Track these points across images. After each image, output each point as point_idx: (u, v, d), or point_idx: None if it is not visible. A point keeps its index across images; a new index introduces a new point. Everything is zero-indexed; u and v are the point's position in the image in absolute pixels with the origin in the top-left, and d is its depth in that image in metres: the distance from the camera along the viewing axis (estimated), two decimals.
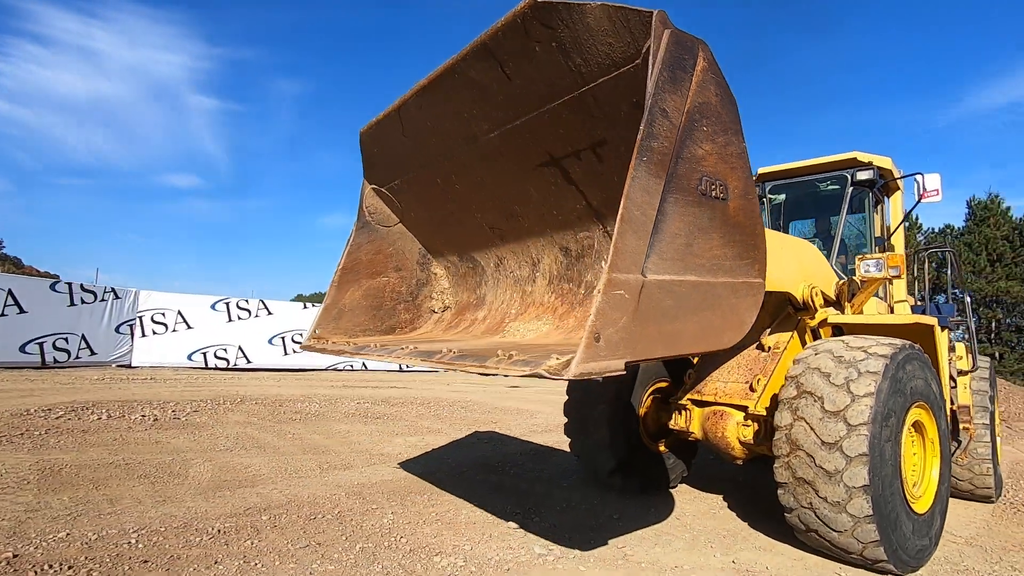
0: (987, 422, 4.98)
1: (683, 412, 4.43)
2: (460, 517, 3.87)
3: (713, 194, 2.13)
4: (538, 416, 9.58)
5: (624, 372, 1.83)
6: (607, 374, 1.76)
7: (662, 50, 1.89)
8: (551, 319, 3.25)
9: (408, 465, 5.41)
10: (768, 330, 4.40)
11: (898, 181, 5.35)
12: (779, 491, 3.36)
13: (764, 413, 3.92)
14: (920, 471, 3.63)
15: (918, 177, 4.77)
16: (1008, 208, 29.24)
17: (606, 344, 1.76)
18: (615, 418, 4.62)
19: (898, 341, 3.45)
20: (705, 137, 2.07)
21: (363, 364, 17.72)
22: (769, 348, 4.39)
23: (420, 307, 4.35)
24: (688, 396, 4.44)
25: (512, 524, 3.74)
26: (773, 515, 4.21)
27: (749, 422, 4.00)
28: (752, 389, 4.16)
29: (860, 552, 3.11)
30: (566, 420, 4.98)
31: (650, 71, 1.88)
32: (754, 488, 5.14)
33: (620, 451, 4.62)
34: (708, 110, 2.08)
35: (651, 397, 4.90)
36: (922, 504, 3.47)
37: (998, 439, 5.50)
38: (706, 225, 2.11)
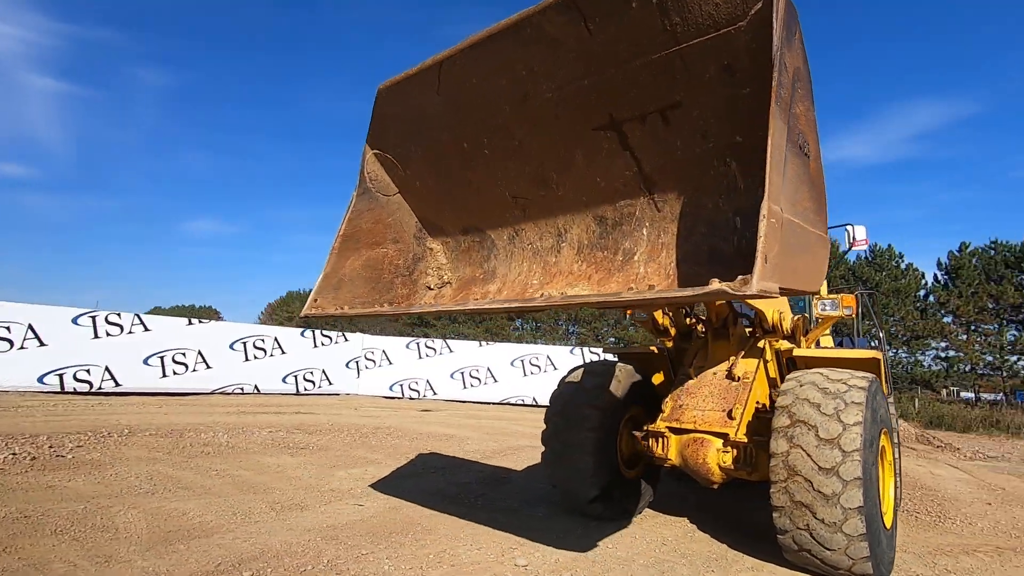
0: (896, 440, 5.77)
1: (660, 440, 4.59)
2: (461, 558, 3.66)
3: (805, 151, 2.30)
4: (468, 442, 9.40)
5: (778, 295, 1.99)
6: (768, 295, 1.88)
7: (782, 9, 2.02)
8: (587, 285, 3.18)
9: (369, 502, 5.01)
10: (735, 360, 4.74)
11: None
12: (775, 514, 3.61)
13: (745, 440, 4.21)
14: (883, 490, 4.11)
15: (849, 227, 5.47)
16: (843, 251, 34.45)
17: (770, 266, 1.87)
18: (599, 446, 4.68)
19: (867, 374, 3.91)
20: (800, 98, 2.23)
21: (255, 387, 16.25)
22: (739, 377, 4.73)
23: (416, 283, 4.09)
24: (666, 424, 4.63)
25: (521, 562, 3.61)
26: (746, 537, 4.50)
27: (729, 448, 4.26)
28: (731, 417, 4.44)
29: (849, 568, 3.42)
30: (545, 449, 4.94)
31: (775, 26, 2.00)
32: (712, 510, 5.45)
33: (603, 479, 4.67)
34: (801, 74, 2.24)
35: (625, 425, 5.04)
36: (888, 519, 3.92)
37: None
38: (803, 177, 2.27)
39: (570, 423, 4.75)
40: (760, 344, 4.82)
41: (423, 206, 3.96)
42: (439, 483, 5.97)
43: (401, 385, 19.01)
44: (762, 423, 4.34)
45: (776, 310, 4.57)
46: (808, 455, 3.48)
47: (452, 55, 2.95)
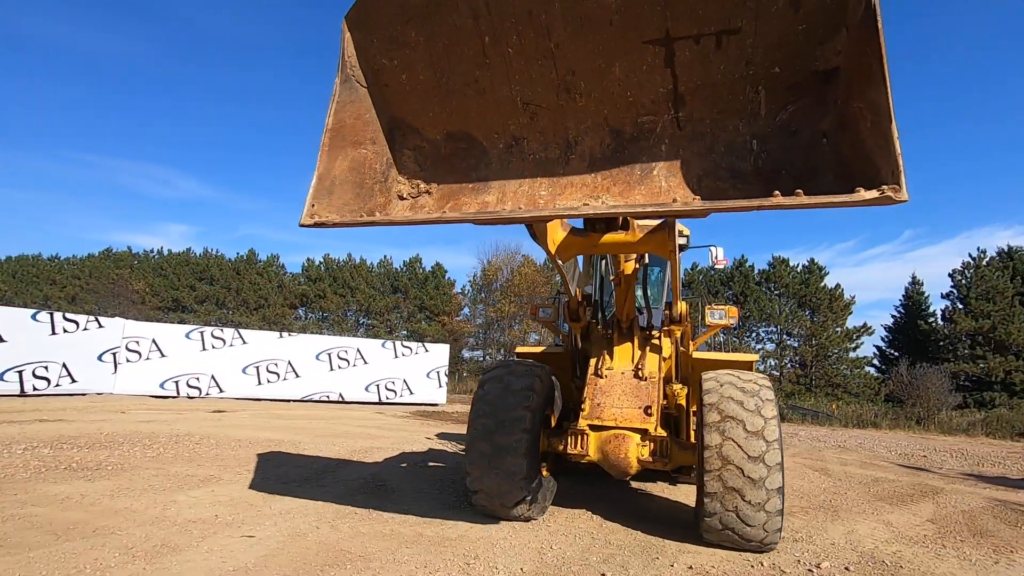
0: None
1: (579, 437, 4.78)
2: None
3: None
4: (304, 447, 8.37)
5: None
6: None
7: None
8: (610, 197, 3.13)
9: (257, 530, 4.10)
10: (641, 359, 5.20)
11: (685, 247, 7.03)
12: (706, 499, 4.06)
13: (664, 434, 4.64)
14: None
15: (712, 248, 6.44)
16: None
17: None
18: (530, 447, 4.63)
19: (763, 374, 4.67)
20: None
21: None
22: (646, 376, 5.20)
23: (390, 190, 3.51)
24: (587, 422, 4.84)
25: None
26: (653, 523, 4.98)
27: (647, 442, 4.65)
28: (648, 413, 4.84)
29: (762, 540, 4.04)
30: (469, 452, 4.69)
31: None
32: (591, 501, 5.84)
33: (532, 480, 4.64)
34: None
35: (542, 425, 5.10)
36: None
37: None
38: None
39: (503, 425, 4.61)
40: (656, 343, 5.36)
41: (399, 103, 3.39)
42: (320, 497, 5.20)
43: (177, 382, 16.01)
44: (668, 417, 4.85)
45: (684, 303, 5.14)
46: (739, 446, 4.01)
47: None
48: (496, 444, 4.57)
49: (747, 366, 5.24)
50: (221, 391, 16.50)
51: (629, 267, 4.91)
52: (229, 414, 12.74)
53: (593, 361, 5.38)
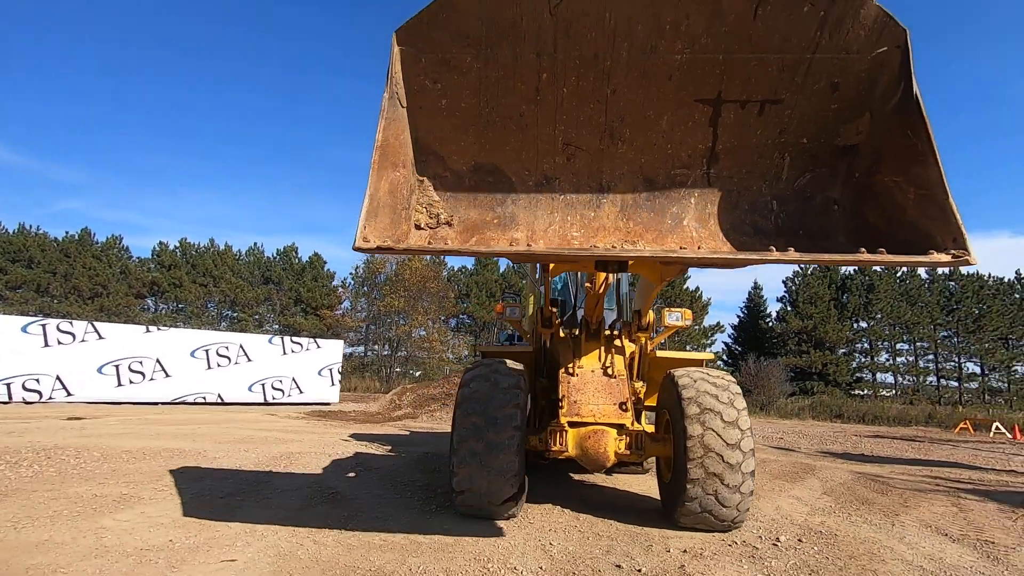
0: None
1: (559, 434, 4.92)
2: None
3: None
4: (210, 455, 7.51)
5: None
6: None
7: (911, 54, 2.65)
8: (644, 245, 3.25)
9: (232, 552, 3.64)
10: (608, 358, 5.47)
11: None
12: (688, 486, 4.40)
13: (640, 427, 4.93)
14: None
15: None
16: (496, 260, 41.14)
17: None
18: (520, 445, 4.65)
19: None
20: None
21: None
22: (615, 374, 5.48)
23: (409, 219, 3.32)
24: (567, 419, 4.98)
25: None
26: (621, 512, 5.27)
27: (623, 436, 4.91)
28: (624, 409, 5.11)
29: (733, 519, 4.49)
30: (459, 451, 4.57)
31: (912, 67, 2.62)
32: (561, 492, 6.01)
33: (520, 477, 4.66)
34: None
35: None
36: None
37: None
38: None
39: (494, 423, 4.56)
40: (619, 344, 5.67)
41: (428, 127, 3.24)
42: (276, 512, 4.72)
43: (9, 384, 13.39)
44: (636, 412, 5.16)
45: (652, 310, 5.49)
46: (718, 435, 4.41)
47: None
48: (488, 442, 4.52)
49: (702, 363, 5.75)
50: (69, 394, 14.05)
51: (601, 277, 5.14)
52: (91, 421, 10.92)
53: (562, 360, 5.53)
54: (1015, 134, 64.23)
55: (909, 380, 37.34)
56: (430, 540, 4.14)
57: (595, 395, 5.26)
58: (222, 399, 16.28)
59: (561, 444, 4.87)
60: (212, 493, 5.33)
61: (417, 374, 33.42)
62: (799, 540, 4.52)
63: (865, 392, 36.55)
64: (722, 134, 3.18)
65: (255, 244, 42.66)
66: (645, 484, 6.69)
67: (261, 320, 39.84)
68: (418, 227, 3.39)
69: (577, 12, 2.70)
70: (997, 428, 19.13)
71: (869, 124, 2.97)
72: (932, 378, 37.74)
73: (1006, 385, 36.02)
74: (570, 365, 5.48)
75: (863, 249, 2.52)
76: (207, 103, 66.88)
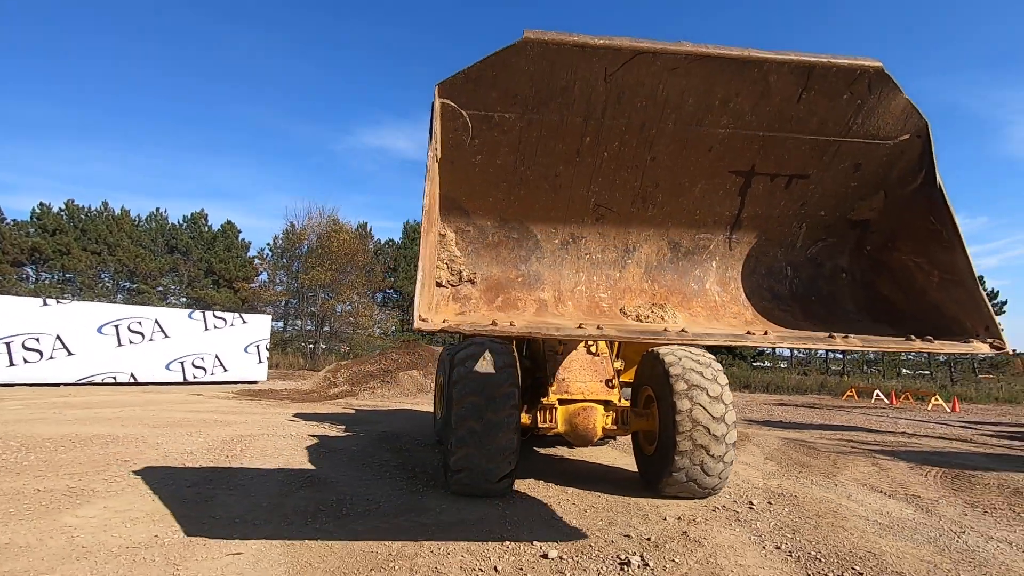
0: None
1: (548, 411, 5.03)
2: None
3: None
4: (150, 440, 6.93)
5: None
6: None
7: (932, 145, 2.91)
8: (673, 309, 3.35)
9: (244, 548, 3.41)
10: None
11: None
12: (677, 458, 4.65)
13: (627, 404, 5.13)
14: None
15: None
16: None
17: None
18: (517, 423, 4.67)
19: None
20: None
21: None
22: (597, 353, 5.63)
23: (433, 275, 3.20)
24: (557, 397, 5.09)
25: (553, 554, 3.43)
26: (604, 484, 5.46)
27: (610, 412, 5.09)
28: (610, 386, 5.29)
29: (714, 487, 4.81)
30: (457, 432, 4.52)
31: (935, 154, 2.86)
32: (537, 467, 6.13)
33: (517, 454, 4.70)
34: None
35: None
36: None
37: None
38: None
39: (494, 402, 4.54)
40: None
41: (457, 181, 3.16)
42: (258, 499, 4.45)
43: None
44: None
45: None
46: (706, 409, 4.67)
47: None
48: (488, 421, 4.51)
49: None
50: None
51: None
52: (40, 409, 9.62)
53: (546, 341, 5.59)
54: None
55: (802, 352, 41.35)
56: (435, 520, 4.10)
57: (581, 373, 5.38)
58: (135, 379, 14.91)
59: (551, 421, 4.97)
60: (176, 482, 4.93)
61: (345, 350, 32.35)
62: (768, 503, 4.93)
63: (767, 364, 40.03)
64: (748, 203, 3.34)
65: (157, 209, 38.75)
66: (608, 456, 6.98)
67: (166, 292, 36.67)
68: (439, 284, 3.29)
69: (631, 82, 2.71)
70: (877, 395, 21.69)
71: (883, 203, 3.20)
72: (821, 352, 42.03)
73: (880, 356, 40.94)
74: (555, 344, 5.56)
75: (912, 336, 2.67)
76: (91, 46, 58.62)
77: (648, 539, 3.81)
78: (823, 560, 3.51)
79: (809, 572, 3.31)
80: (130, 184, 61.73)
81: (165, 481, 4.95)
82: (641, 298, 3.47)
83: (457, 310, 3.25)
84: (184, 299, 35.86)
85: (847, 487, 5.75)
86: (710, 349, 5.37)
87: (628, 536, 3.87)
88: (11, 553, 3.15)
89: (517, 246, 3.43)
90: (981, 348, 2.57)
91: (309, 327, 34.07)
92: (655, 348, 5.37)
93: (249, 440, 7.21)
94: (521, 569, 3.24)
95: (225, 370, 16.59)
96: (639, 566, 3.30)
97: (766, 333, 2.77)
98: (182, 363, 15.75)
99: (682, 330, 2.63)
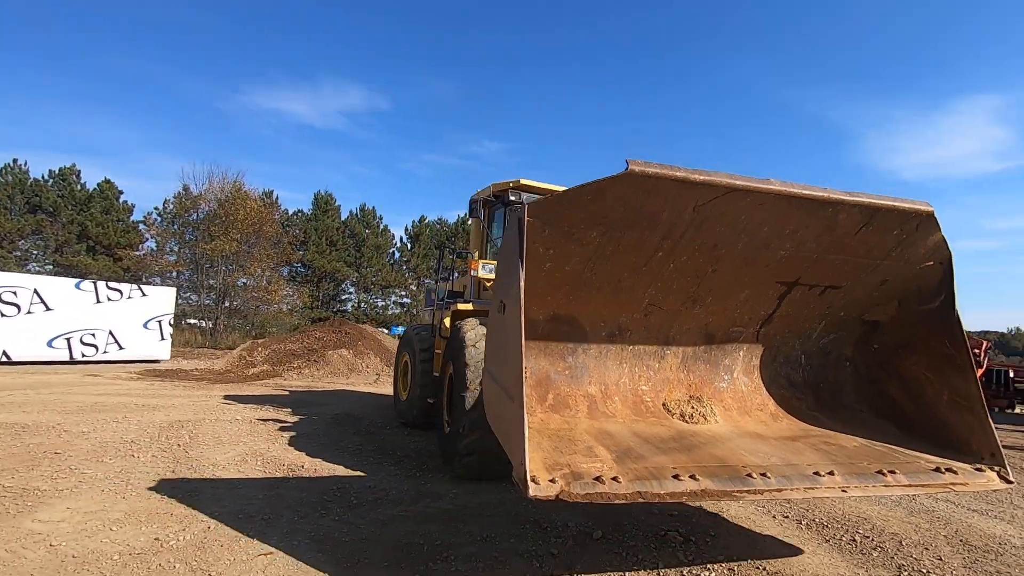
0: None
1: None
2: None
3: None
4: (90, 432, 6.08)
5: None
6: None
7: (954, 272, 3.20)
8: (709, 403, 3.58)
9: (273, 545, 3.08)
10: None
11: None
12: None
13: None
14: None
15: None
16: (339, 205, 38.46)
17: None
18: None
19: None
20: None
21: None
22: None
23: None
24: None
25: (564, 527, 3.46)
26: None
27: None
28: None
29: None
30: (473, 413, 4.37)
31: (954, 278, 3.17)
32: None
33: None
34: None
35: None
36: None
37: None
38: None
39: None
40: None
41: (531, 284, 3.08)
42: (247, 491, 4.06)
43: None
44: None
45: None
46: None
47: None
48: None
49: None
50: None
51: None
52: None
53: None
54: None
55: None
56: (455, 506, 3.98)
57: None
58: (8, 357, 12.84)
59: None
60: (139, 475, 4.35)
61: (251, 327, 30.11)
62: None
63: None
64: (784, 306, 3.59)
65: (15, 161, 33.19)
66: None
67: (25, 257, 31.77)
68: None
69: (717, 211, 2.77)
70: None
71: (896, 309, 3.52)
72: None
73: None
74: None
75: (944, 469, 2.85)
76: None
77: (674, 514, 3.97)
78: (821, 523, 3.85)
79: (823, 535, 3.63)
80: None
81: (124, 475, 4.35)
82: (679, 390, 3.65)
83: None
84: (50, 266, 31.35)
85: None
86: None
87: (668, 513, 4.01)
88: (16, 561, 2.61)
89: (566, 338, 3.46)
90: (997, 485, 2.84)
91: (207, 301, 31.23)
92: None
93: (193, 426, 6.51)
94: (576, 550, 3.24)
95: (121, 348, 14.79)
96: (681, 543, 3.44)
97: (832, 473, 2.72)
98: (68, 340, 13.82)
99: (764, 474, 2.61)
